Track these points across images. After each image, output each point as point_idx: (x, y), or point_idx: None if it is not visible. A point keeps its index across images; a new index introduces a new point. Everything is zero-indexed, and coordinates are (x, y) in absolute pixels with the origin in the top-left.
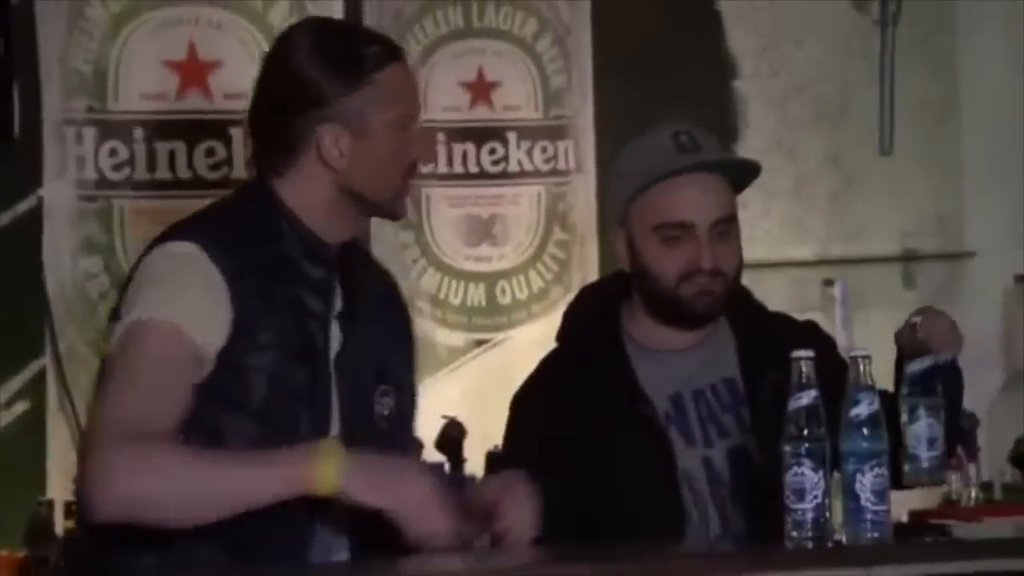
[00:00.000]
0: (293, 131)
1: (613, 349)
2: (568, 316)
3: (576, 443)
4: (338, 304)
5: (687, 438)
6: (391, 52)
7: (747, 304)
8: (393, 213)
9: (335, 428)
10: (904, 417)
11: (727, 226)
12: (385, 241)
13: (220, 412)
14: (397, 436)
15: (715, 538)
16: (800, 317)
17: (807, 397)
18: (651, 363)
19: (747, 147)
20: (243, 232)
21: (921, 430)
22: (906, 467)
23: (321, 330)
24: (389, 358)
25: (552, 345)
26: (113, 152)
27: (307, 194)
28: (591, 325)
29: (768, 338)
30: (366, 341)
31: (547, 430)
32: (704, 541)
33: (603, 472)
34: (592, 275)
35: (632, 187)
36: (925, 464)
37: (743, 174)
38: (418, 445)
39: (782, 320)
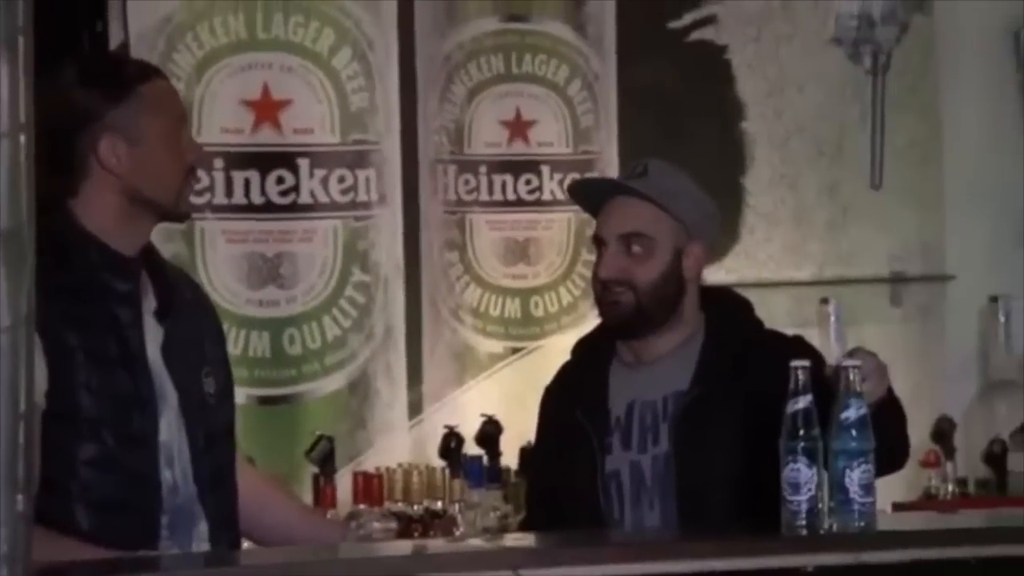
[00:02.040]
0: (77, 149)
1: (597, 362)
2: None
3: (545, 445)
4: (152, 304)
5: (624, 443)
6: (150, 69)
7: (736, 320)
8: (178, 214)
9: (170, 414)
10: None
11: (640, 244)
12: (433, 261)
13: (58, 430)
14: (223, 409)
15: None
16: (799, 331)
17: (803, 401)
18: (623, 375)
19: (753, 180)
20: (49, 261)
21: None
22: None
23: (136, 336)
24: (205, 342)
25: None
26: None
27: (99, 207)
28: (590, 341)
29: (747, 352)
30: (184, 330)
31: (540, 431)
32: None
33: (550, 471)
34: None
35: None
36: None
37: (697, 220)
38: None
39: (772, 336)
